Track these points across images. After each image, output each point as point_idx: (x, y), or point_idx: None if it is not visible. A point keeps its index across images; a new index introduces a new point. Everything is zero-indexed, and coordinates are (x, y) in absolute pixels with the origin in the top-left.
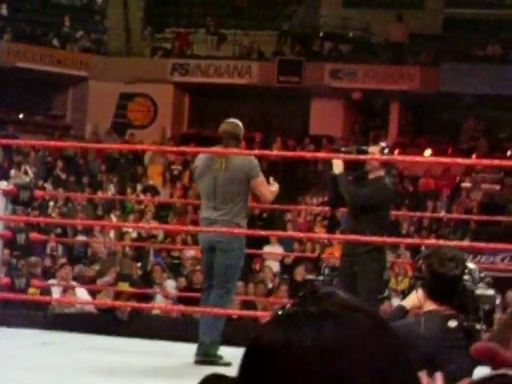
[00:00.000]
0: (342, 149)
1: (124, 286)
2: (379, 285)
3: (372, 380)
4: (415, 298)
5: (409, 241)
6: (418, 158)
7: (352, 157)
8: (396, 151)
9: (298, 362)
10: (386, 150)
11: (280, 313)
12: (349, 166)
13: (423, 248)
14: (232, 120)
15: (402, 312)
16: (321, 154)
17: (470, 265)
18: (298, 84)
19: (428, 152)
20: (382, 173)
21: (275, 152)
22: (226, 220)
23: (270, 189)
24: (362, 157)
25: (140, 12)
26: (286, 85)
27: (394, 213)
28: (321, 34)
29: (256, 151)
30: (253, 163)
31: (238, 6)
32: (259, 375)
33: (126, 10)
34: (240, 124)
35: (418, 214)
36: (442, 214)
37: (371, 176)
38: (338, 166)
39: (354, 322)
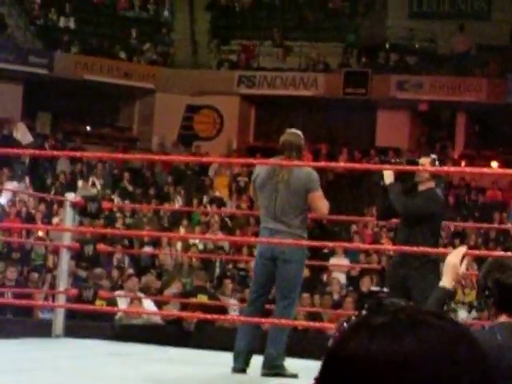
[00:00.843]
0: (392, 160)
1: (203, 298)
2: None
3: None
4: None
5: (476, 253)
6: (485, 170)
7: (432, 168)
8: (463, 163)
9: (385, 371)
10: (437, 162)
11: (356, 323)
12: (398, 177)
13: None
14: (294, 130)
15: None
16: (387, 166)
17: None
18: (364, 96)
19: (495, 164)
20: (432, 184)
21: (341, 164)
22: (288, 231)
23: (326, 203)
24: (436, 168)
25: (206, 24)
26: (352, 96)
27: (461, 224)
28: (387, 46)
29: (322, 163)
30: (313, 176)
31: (304, 18)
32: None
33: (192, 23)
34: (301, 135)
35: (485, 225)
36: (509, 225)
37: (421, 187)
38: (388, 177)
39: (439, 329)
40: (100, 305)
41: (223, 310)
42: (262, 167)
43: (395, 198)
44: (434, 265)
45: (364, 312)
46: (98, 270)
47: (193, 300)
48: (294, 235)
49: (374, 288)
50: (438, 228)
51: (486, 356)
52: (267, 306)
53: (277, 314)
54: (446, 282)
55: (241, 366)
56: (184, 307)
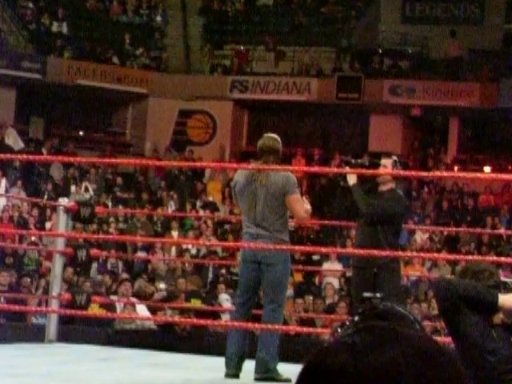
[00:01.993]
0: (353, 161)
1: (196, 303)
2: (399, 293)
3: None
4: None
5: (469, 257)
6: (478, 175)
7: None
8: (455, 168)
9: (371, 382)
10: (398, 164)
11: (343, 332)
12: (359, 178)
13: None
14: (271, 135)
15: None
16: (381, 171)
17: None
18: (357, 100)
19: (488, 168)
20: (393, 185)
21: (335, 169)
22: (269, 236)
23: (304, 206)
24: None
25: (199, 29)
26: (345, 101)
27: (454, 229)
28: (380, 51)
29: (316, 168)
30: (290, 179)
31: (297, 23)
32: None
33: (185, 28)
34: (278, 139)
35: (478, 230)
36: (502, 230)
37: (383, 188)
38: (351, 178)
39: (417, 340)
40: (95, 310)
41: (216, 315)
42: (240, 173)
43: (359, 199)
44: (398, 264)
45: (357, 318)
46: (98, 278)
47: (186, 304)
48: (275, 239)
49: (367, 294)
50: (398, 228)
51: (460, 364)
52: (256, 311)
53: (265, 317)
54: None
55: (233, 372)
56: (182, 312)
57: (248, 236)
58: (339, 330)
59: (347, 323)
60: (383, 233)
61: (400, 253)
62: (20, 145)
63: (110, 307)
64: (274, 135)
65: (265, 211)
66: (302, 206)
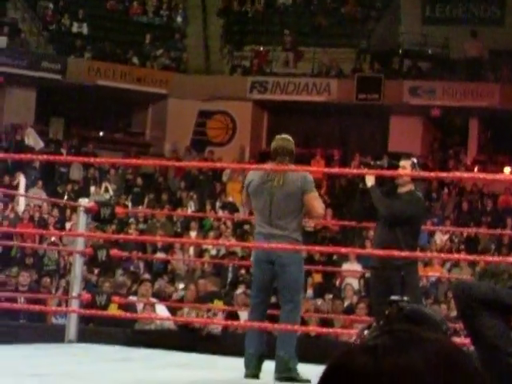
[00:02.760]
0: (372, 163)
1: (219, 304)
2: (418, 295)
3: None
4: None
5: (489, 258)
6: (497, 176)
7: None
8: (475, 168)
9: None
10: (417, 165)
11: (369, 334)
12: (378, 180)
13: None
14: (284, 136)
15: None
16: (400, 172)
17: None
18: (377, 101)
19: (508, 169)
20: (412, 186)
21: (354, 170)
22: (283, 235)
23: (322, 204)
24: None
25: (219, 30)
26: (365, 102)
27: (474, 230)
28: (400, 51)
29: (336, 169)
30: (308, 178)
31: (317, 24)
32: None
33: (205, 28)
34: (291, 139)
35: (498, 231)
36: None
37: (402, 190)
38: (370, 179)
39: (438, 343)
40: (115, 310)
41: (236, 316)
42: (254, 173)
43: (378, 201)
44: (416, 266)
45: (383, 320)
46: (120, 279)
47: (209, 305)
48: (289, 238)
49: (394, 297)
50: (417, 230)
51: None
52: (272, 311)
53: (283, 318)
54: None
55: (253, 372)
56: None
57: (261, 236)
58: (365, 333)
59: (373, 326)
60: (402, 234)
61: (419, 254)
62: (40, 144)
63: (130, 308)
64: (287, 136)
65: (282, 210)
66: (320, 203)
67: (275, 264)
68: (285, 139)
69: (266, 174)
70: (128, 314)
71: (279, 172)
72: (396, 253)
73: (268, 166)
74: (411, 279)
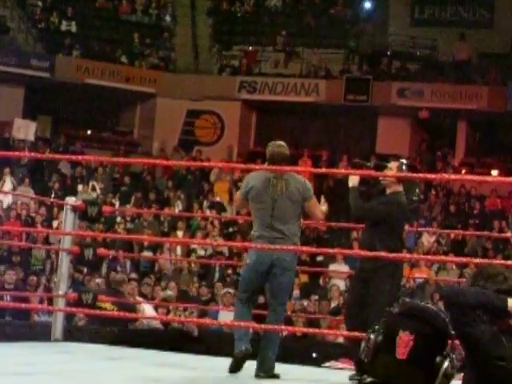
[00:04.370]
0: (368, 164)
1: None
2: (391, 300)
3: None
4: None
5: (477, 260)
6: (485, 178)
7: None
8: (463, 170)
9: None
10: (405, 167)
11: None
12: (365, 181)
13: None
14: (280, 142)
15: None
16: (389, 173)
17: None
18: (365, 102)
19: (495, 172)
20: (399, 188)
21: (342, 170)
22: (285, 239)
23: (321, 209)
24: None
25: (208, 29)
26: (353, 103)
27: (461, 232)
28: (388, 53)
29: (324, 169)
30: (307, 185)
31: (306, 25)
32: None
33: (194, 28)
34: (286, 145)
35: (485, 233)
36: (509, 234)
37: (388, 191)
38: (352, 180)
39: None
40: (103, 309)
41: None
42: (254, 178)
43: (352, 200)
44: (396, 267)
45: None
46: (118, 276)
47: (194, 304)
48: (291, 243)
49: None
50: (396, 231)
51: None
52: (256, 311)
53: (273, 319)
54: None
55: (247, 347)
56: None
57: (264, 240)
58: (372, 336)
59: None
60: (378, 236)
61: (401, 255)
62: (30, 135)
63: (125, 306)
64: (282, 142)
65: (284, 215)
66: (320, 208)
67: (276, 266)
68: (281, 145)
69: (268, 180)
70: (115, 313)
71: (280, 178)
72: (384, 253)
73: (266, 171)
74: (379, 282)
